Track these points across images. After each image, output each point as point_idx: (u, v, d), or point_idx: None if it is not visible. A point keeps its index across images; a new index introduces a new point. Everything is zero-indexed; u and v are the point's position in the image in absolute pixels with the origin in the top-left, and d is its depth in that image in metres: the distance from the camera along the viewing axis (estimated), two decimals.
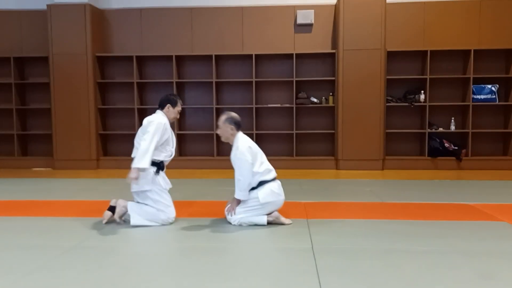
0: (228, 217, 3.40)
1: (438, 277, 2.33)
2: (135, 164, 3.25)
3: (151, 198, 3.38)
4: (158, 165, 3.43)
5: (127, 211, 3.42)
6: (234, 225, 3.35)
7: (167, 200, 3.45)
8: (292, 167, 6.85)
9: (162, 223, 3.40)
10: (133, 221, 3.38)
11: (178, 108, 3.58)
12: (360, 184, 5.42)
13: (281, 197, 3.41)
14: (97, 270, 2.48)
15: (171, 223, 3.43)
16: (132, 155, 3.40)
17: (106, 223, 3.43)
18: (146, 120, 3.42)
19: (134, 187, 3.39)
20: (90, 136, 6.99)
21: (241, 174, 3.28)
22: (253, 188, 3.34)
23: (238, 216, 3.35)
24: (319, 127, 7.15)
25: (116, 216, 3.43)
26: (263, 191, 3.32)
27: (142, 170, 3.28)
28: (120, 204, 3.42)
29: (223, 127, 3.39)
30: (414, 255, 2.69)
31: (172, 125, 7.50)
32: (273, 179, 3.40)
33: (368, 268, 2.46)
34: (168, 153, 3.50)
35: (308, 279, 2.30)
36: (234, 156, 3.34)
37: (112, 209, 3.44)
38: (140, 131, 3.43)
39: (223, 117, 3.42)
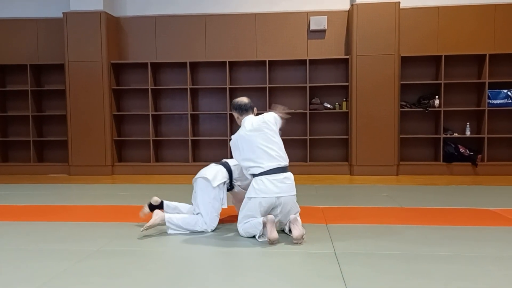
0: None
1: (471, 284, 2.28)
2: None
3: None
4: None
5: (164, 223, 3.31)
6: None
7: (215, 210, 3.34)
8: (306, 172, 6.82)
9: (194, 230, 3.31)
10: (169, 231, 3.32)
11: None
12: (376, 190, 5.39)
13: (265, 195, 3.08)
14: (122, 274, 2.49)
15: (202, 232, 3.32)
16: None
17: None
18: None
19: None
20: (105, 142, 7.04)
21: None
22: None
23: (239, 225, 3.23)
24: (332, 132, 7.13)
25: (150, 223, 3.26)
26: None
27: None
28: (159, 216, 3.29)
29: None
30: (442, 260, 2.64)
31: (185, 131, 7.41)
32: (261, 174, 3.15)
33: (396, 274, 2.43)
34: None
35: (334, 284, 2.28)
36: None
37: (152, 207, 3.48)
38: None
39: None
